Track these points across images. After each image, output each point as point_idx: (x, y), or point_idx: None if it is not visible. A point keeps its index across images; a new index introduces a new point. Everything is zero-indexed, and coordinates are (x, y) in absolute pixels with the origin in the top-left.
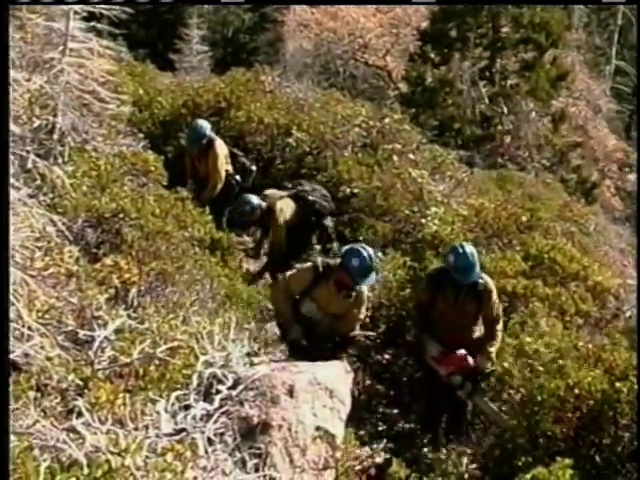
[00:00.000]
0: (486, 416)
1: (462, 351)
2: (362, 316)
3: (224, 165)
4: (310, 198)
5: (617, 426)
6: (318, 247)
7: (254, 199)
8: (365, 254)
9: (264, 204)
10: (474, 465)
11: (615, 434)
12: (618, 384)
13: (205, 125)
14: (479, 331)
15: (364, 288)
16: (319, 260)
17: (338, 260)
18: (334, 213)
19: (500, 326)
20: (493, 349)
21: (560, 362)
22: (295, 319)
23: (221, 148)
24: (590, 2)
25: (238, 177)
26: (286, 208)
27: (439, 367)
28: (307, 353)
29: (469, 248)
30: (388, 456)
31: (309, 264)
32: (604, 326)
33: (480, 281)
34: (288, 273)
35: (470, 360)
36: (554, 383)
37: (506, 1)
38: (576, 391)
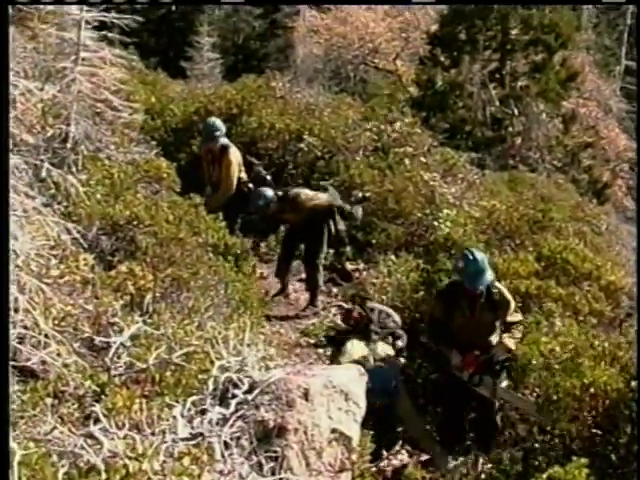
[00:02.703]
0: (515, 408)
1: (475, 351)
2: None
3: (236, 173)
4: (335, 195)
5: (633, 424)
6: (330, 250)
7: (269, 192)
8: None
9: (280, 193)
10: (489, 465)
11: (631, 433)
12: (633, 383)
13: (218, 123)
14: (496, 337)
15: None
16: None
17: None
18: (346, 217)
19: (519, 318)
20: (512, 341)
21: (577, 361)
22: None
23: (235, 155)
24: (590, 2)
25: (252, 185)
26: (315, 197)
27: (462, 372)
28: None
29: (479, 254)
30: (404, 458)
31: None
32: (618, 325)
33: (494, 290)
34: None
35: (483, 356)
36: (570, 382)
37: (511, 1)
38: (592, 390)
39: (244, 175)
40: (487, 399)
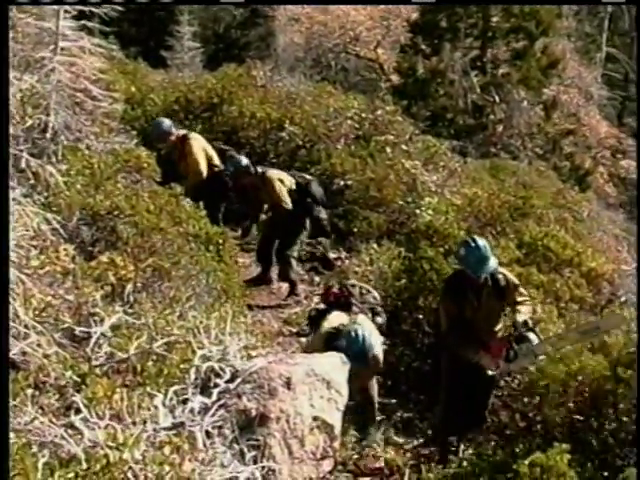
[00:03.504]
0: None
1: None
2: None
3: (202, 157)
4: (307, 178)
5: (617, 410)
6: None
7: (244, 159)
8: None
9: (259, 170)
10: (470, 451)
11: (615, 418)
12: (618, 369)
13: (165, 121)
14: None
15: None
16: None
17: None
18: (328, 205)
19: (527, 298)
20: (524, 310)
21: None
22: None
23: (196, 140)
24: (590, 2)
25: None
26: (285, 180)
27: (495, 365)
28: None
29: (481, 241)
30: (386, 446)
31: None
32: (599, 311)
33: (499, 276)
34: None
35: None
36: (556, 369)
37: (509, 1)
38: (579, 377)
39: (218, 162)
40: (487, 384)
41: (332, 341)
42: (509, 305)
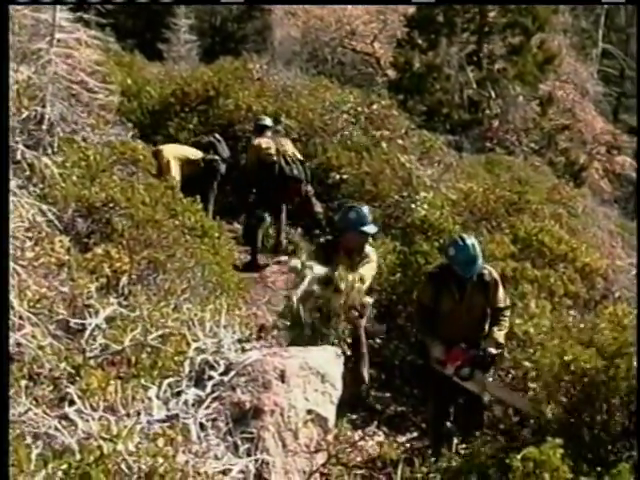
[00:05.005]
0: (504, 404)
1: (462, 345)
2: None
3: (175, 165)
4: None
5: (610, 404)
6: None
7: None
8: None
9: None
10: (464, 446)
11: (608, 412)
12: (607, 363)
13: None
14: (486, 326)
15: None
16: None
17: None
18: (323, 198)
19: (508, 312)
20: (501, 333)
21: (554, 341)
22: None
23: (167, 152)
24: (590, 2)
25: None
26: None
27: (446, 368)
28: None
29: (470, 240)
30: (380, 439)
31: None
32: (593, 307)
33: (485, 272)
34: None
35: (473, 350)
36: (550, 359)
37: (509, 1)
38: (572, 368)
39: (196, 156)
40: (475, 395)
41: None
42: (492, 307)
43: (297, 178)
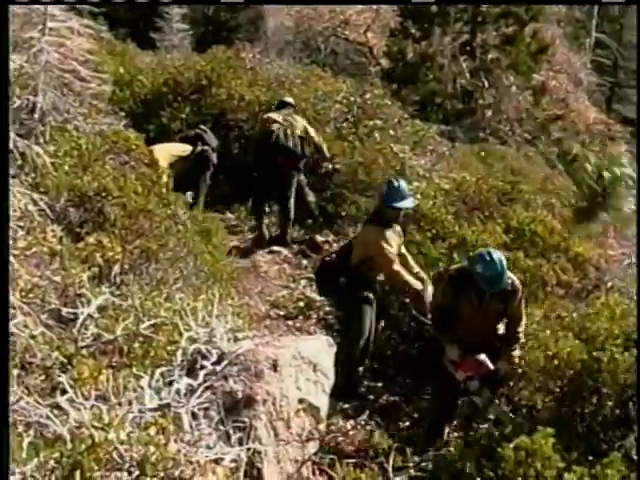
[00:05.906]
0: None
1: (482, 356)
2: None
3: (164, 164)
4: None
5: (599, 395)
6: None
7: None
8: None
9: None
10: (456, 434)
11: (597, 403)
12: (596, 353)
13: None
14: (502, 331)
15: None
16: None
17: None
18: (316, 188)
19: (522, 328)
20: (516, 352)
21: (539, 334)
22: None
23: (157, 153)
24: (590, 2)
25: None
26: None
27: (457, 372)
28: None
29: (496, 254)
30: (372, 428)
31: None
32: (585, 296)
33: (508, 281)
34: None
35: (490, 365)
36: (534, 354)
37: (510, 1)
38: (555, 362)
39: (184, 150)
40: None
41: None
42: (508, 317)
43: (290, 150)
